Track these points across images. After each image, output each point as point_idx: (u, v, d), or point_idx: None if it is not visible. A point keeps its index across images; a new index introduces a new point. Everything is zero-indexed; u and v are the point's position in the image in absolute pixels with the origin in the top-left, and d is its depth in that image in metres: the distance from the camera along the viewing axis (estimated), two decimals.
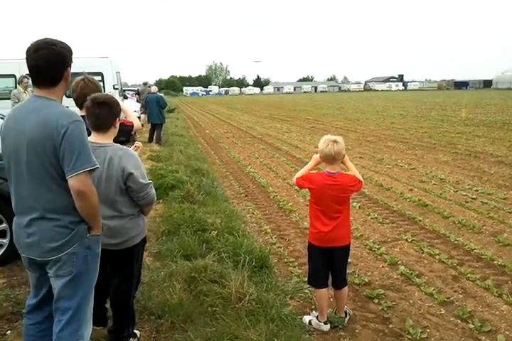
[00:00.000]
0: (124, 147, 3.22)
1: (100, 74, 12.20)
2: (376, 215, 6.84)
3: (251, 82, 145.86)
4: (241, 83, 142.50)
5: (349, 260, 4.01)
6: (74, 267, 2.52)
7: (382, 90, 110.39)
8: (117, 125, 3.19)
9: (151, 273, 4.47)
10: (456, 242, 5.68)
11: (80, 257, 2.53)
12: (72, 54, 2.56)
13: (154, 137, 14.75)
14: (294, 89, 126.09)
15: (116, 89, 12.79)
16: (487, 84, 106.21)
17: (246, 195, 8.38)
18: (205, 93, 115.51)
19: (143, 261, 3.76)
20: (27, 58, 2.46)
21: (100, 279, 3.31)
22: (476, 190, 8.23)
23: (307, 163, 3.92)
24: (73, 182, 2.39)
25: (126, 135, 3.92)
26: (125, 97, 19.13)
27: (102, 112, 3.06)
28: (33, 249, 2.53)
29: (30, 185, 2.47)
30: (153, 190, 3.21)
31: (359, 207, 7.27)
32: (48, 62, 2.44)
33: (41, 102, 2.49)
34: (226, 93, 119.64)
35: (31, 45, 2.46)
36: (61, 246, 2.48)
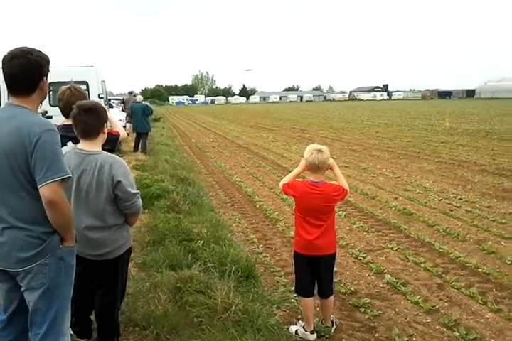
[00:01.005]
0: (114, 155, 3.21)
1: (85, 83, 12.12)
2: (362, 224, 6.87)
3: (237, 92, 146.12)
4: (227, 92, 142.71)
5: (335, 269, 4.02)
6: (46, 279, 2.46)
7: (367, 100, 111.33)
8: (105, 131, 3.19)
9: (136, 284, 4.42)
10: (441, 250, 5.72)
11: (53, 269, 2.47)
12: (48, 63, 2.53)
13: (140, 146, 14.69)
14: (280, 98, 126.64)
15: (102, 98, 12.71)
16: (470, 93, 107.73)
17: (232, 204, 8.36)
18: (191, 102, 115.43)
19: (128, 272, 3.72)
20: (2, 66, 2.44)
21: (84, 290, 3.28)
22: (460, 199, 8.31)
23: (293, 170, 3.93)
24: (44, 191, 2.35)
25: (112, 144, 3.90)
26: (110, 106, 19.04)
27: (89, 119, 3.06)
28: (2, 259, 2.47)
29: (2, 194, 2.43)
30: (140, 201, 3.19)
31: (345, 215, 7.30)
32: (24, 71, 2.42)
33: (15, 111, 2.45)
34: (212, 102, 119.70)
35: (7, 53, 2.44)
36: (32, 257, 2.43)
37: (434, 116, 33.57)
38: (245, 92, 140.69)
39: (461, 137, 18.63)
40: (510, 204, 7.87)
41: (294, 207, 3.93)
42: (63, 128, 3.68)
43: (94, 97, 12.20)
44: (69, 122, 3.74)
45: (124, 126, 14.83)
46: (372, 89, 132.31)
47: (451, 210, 7.53)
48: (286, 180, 3.83)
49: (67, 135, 3.55)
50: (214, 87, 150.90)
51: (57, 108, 3.77)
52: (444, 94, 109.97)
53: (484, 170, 11.08)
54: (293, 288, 4.14)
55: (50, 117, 3.77)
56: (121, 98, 26.89)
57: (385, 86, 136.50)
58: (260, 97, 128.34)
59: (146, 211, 6.92)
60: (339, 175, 3.76)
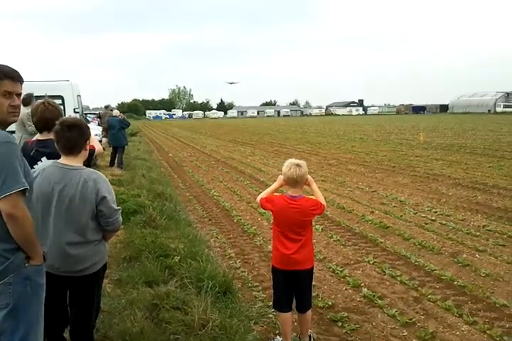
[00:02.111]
0: (97, 171, 3.20)
1: (61, 97, 12.03)
2: (339, 237, 6.91)
3: (215, 106, 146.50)
4: (205, 107, 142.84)
5: (313, 283, 4.02)
6: (11, 299, 2.37)
7: (343, 115, 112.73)
8: (87, 147, 3.17)
9: (111, 301, 4.34)
10: (416, 263, 5.78)
11: (18, 288, 2.39)
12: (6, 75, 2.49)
13: (116, 161, 14.55)
14: (258, 113, 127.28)
15: (77, 112, 12.63)
16: (443, 108, 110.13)
17: (210, 219, 8.32)
18: (168, 116, 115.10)
19: (103, 289, 3.67)
20: None
21: (58, 307, 3.21)
22: (435, 212, 8.43)
23: (271, 185, 3.96)
24: (3, 205, 2.30)
25: (87, 159, 3.88)
26: (86, 121, 18.86)
27: (72, 135, 3.05)
28: None
29: None
30: (121, 218, 3.18)
31: (322, 229, 7.33)
32: None
33: None
34: (190, 116, 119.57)
35: None
36: None
37: (408, 131, 34.15)
38: (223, 107, 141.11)
39: (435, 151, 18.98)
40: (484, 217, 8.01)
41: (271, 222, 3.94)
42: (37, 143, 3.65)
43: (69, 112, 12.12)
44: (43, 137, 3.71)
45: (100, 141, 14.71)
46: (348, 104, 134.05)
47: (427, 223, 7.63)
48: (263, 194, 3.84)
49: (42, 150, 3.51)
50: (192, 101, 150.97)
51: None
52: (418, 109, 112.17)
53: (458, 184, 11.29)
54: (271, 303, 4.13)
55: None
56: (98, 112, 26.70)
57: (361, 101, 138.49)
58: (238, 112, 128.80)
59: (122, 226, 6.83)
60: (316, 190, 3.79)
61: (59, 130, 3.05)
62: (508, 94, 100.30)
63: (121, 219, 3.17)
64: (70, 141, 3.05)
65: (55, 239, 3.01)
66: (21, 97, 2.60)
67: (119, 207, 3.16)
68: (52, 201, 3.00)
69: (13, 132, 3.69)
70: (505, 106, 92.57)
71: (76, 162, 3.09)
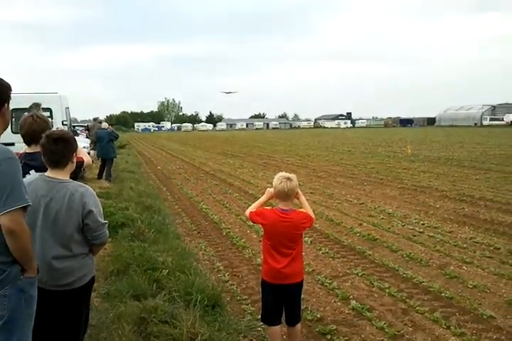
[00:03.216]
0: (84, 184, 3.19)
1: (49, 109, 12.00)
2: (327, 250, 6.92)
3: (204, 118, 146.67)
4: (194, 119, 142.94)
5: (302, 296, 4.02)
6: (6, 311, 2.38)
7: (331, 127, 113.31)
8: (74, 160, 3.16)
9: (99, 315, 4.30)
10: (404, 275, 5.80)
11: (13, 300, 2.40)
12: (9, 90, 2.53)
13: (104, 173, 14.49)
14: (247, 125, 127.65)
15: (65, 125, 12.59)
16: (431, 121, 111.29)
17: (198, 232, 8.30)
18: (157, 129, 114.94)
19: (91, 302, 3.63)
20: None
21: (45, 322, 3.17)
22: (423, 224, 8.48)
23: (260, 198, 3.97)
24: (5, 220, 2.31)
25: (75, 171, 3.87)
26: (75, 133, 18.79)
27: (58, 148, 3.04)
28: None
29: None
30: (107, 231, 3.17)
31: (311, 241, 7.33)
32: None
33: None
34: (179, 129, 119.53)
35: None
36: None
37: (396, 144, 34.42)
38: (212, 119, 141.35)
39: (422, 164, 19.14)
40: (471, 229, 8.08)
41: (261, 234, 3.95)
42: (26, 156, 3.63)
43: (58, 124, 12.07)
44: (31, 150, 3.70)
45: (89, 153, 14.65)
46: (336, 117, 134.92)
47: (414, 235, 7.67)
48: (252, 208, 3.84)
49: (30, 163, 3.50)
50: (181, 113, 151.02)
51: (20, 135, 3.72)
52: (406, 122, 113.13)
53: (445, 196, 11.38)
54: (259, 316, 4.12)
55: (12, 144, 3.72)
56: (86, 125, 26.63)
57: (349, 114, 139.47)
58: (227, 124, 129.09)
59: (110, 240, 6.77)
60: (305, 203, 3.81)
61: (45, 143, 3.04)
62: (494, 107, 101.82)
63: (107, 232, 3.16)
64: (56, 154, 3.04)
65: (41, 253, 2.98)
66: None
67: (105, 221, 3.15)
68: (38, 214, 2.98)
69: (12, 144, 3.68)
70: (491, 119, 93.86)
71: (63, 175, 3.08)
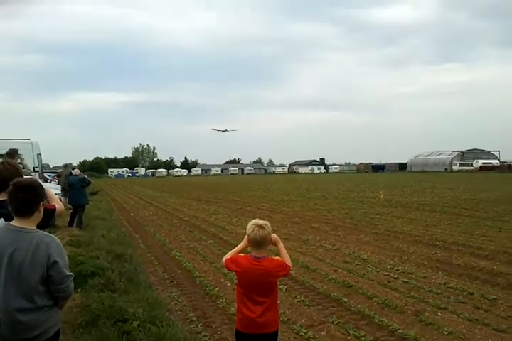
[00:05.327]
0: (51, 234, 3.12)
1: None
2: (303, 298, 6.82)
3: (179, 164, 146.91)
4: (169, 165, 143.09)
5: None
6: None
7: (305, 173, 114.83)
8: (41, 209, 3.11)
9: None
10: (380, 323, 5.73)
11: None
12: None
13: (75, 221, 14.19)
14: (222, 171, 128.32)
15: (37, 171, 12.47)
16: (402, 167, 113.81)
17: (171, 281, 8.11)
18: (130, 175, 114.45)
19: None
20: None
21: None
22: (397, 270, 8.48)
23: (235, 245, 3.94)
24: None
25: (46, 219, 3.80)
26: (45, 180, 18.55)
27: (26, 197, 2.99)
28: None
29: None
30: (73, 284, 3.08)
31: (286, 289, 7.23)
32: None
33: None
34: (153, 174, 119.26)
35: None
36: None
37: (369, 189, 34.89)
38: (187, 165, 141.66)
39: (395, 209, 19.37)
40: (445, 275, 8.11)
41: (235, 282, 3.89)
42: None
43: (27, 171, 11.93)
44: (1, 198, 3.62)
45: (60, 200, 14.40)
46: (310, 163, 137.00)
47: (389, 281, 7.65)
48: (229, 255, 3.81)
49: (0, 211, 3.43)
50: (155, 159, 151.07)
51: None
52: (378, 168, 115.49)
53: (419, 241, 11.47)
54: None
55: None
56: (58, 171, 26.32)
57: (322, 159, 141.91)
58: (202, 170, 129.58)
59: (79, 290, 6.57)
60: (282, 251, 3.78)
61: (12, 191, 3.00)
62: (463, 153, 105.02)
63: (72, 285, 3.06)
64: (22, 202, 2.99)
65: (3, 305, 2.88)
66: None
67: (71, 273, 3.06)
68: (1, 265, 2.90)
69: None
70: (461, 165, 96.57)
71: (29, 224, 3.01)
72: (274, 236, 3.71)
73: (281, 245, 3.77)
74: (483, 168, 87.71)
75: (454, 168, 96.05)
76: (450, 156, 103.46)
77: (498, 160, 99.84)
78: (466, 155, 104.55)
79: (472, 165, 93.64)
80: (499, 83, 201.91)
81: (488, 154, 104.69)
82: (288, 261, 3.72)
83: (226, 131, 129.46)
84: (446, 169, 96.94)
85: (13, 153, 8.49)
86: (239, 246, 3.84)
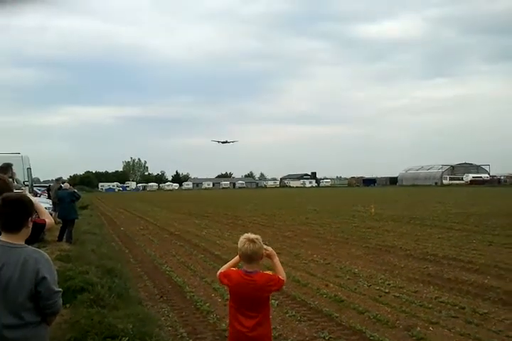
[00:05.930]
0: (39, 250, 3.09)
1: None
2: (294, 313, 6.78)
3: (170, 178, 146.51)
4: (160, 179, 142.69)
5: None
6: None
7: (297, 186, 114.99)
8: (30, 225, 3.08)
9: None
10: (371, 338, 5.70)
11: None
12: None
13: (65, 235, 14.06)
14: (213, 184, 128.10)
15: (27, 185, 12.39)
16: (393, 181, 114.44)
17: (161, 296, 8.02)
18: (121, 189, 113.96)
19: None
20: None
21: None
22: (389, 284, 8.47)
23: (226, 259, 3.92)
24: None
25: (35, 234, 3.76)
26: (35, 194, 18.41)
27: (14, 212, 2.96)
28: None
29: None
30: (61, 300, 3.04)
31: (277, 304, 7.18)
32: None
33: None
34: (144, 189, 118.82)
35: None
36: None
37: (360, 203, 34.94)
38: (178, 179, 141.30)
39: (386, 223, 19.40)
40: (436, 289, 8.10)
41: (226, 298, 3.86)
42: None
43: (18, 185, 11.84)
44: None
45: (51, 214, 14.28)
46: (301, 177, 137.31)
47: (380, 296, 7.63)
48: (222, 269, 3.79)
49: None
50: (146, 173, 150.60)
51: None
52: (369, 182, 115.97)
53: (410, 255, 11.47)
54: None
55: None
56: (48, 185, 26.16)
57: (314, 173, 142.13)
58: (193, 184, 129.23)
59: (68, 305, 6.48)
60: (277, 265, 3.75)
61: (0, 206, 2.98)
62: (453, 167, 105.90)
63: (61, 301, 3.02)
64: (11, 217, 2.96)
65: None
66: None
67: (59, 289, 3.02)
68: None
69: None
70: (451, 179, 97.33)
71: (17, 239, 2.98)
72: (269, 249, 3.70)
73: (276, 259, 3.75)
74: (473, 182, 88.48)
75: (445, 181, 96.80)
76: (440, 170, 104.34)
77: (488, 174, 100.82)
78: (456, 169, 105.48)
79: (462, 179, 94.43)
80: (489, 97, 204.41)
81: (478, 168, 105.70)
82: (282, 275, 3.70)
83: (227, 142, 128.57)
84: (436, 183, 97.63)
85: (7, 168, 8.31)
86: (233, 259, 3.83)
